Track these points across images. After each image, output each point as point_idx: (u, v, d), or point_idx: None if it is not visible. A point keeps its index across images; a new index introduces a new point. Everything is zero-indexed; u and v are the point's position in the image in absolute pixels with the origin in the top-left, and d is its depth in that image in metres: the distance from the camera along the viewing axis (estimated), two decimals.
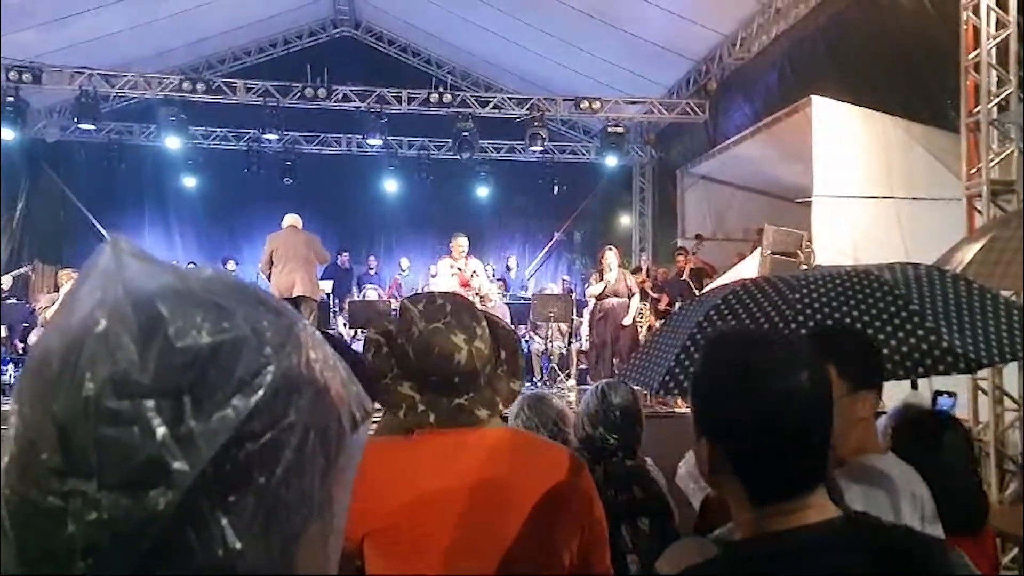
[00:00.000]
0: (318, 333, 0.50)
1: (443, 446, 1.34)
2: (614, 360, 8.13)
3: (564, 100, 11.53)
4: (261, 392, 0.43)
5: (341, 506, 0.49)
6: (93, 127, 11.12)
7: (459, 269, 7.90)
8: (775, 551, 0.98)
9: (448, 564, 1.26)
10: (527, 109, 11.66)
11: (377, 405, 1.41)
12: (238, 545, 0.42)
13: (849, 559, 0.97)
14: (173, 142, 11.70)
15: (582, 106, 11.34)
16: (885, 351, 1.44)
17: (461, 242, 7.92)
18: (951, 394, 2.29)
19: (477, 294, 7.89)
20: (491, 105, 11.73)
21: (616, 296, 8.28)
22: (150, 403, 0.41)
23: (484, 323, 1.38)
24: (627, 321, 8.21)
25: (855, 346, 1.60)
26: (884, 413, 2.08)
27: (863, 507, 1.51)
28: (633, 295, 8.20)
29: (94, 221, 13.06)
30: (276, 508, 0.43)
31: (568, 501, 1.34)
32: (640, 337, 8.84)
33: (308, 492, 0.45)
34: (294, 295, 7.82)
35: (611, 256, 8.46)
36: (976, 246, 3.03)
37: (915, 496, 1.57)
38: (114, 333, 0.42)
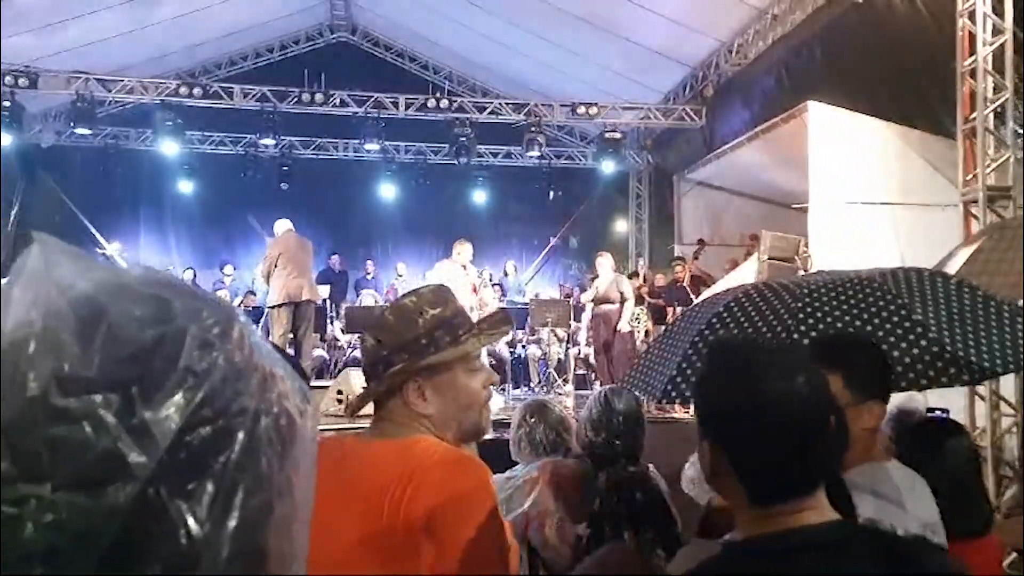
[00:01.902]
0: (255, 326, 0.51)
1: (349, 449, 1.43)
2: (609, 366, 8.15)
3: (561, 106, 11.55)
4: (209, 379, 0.43)
5: (305, 494, 0.49)
6: (89, 131, 11.10)
7: (467, 275, 7.86)
8: (773, 551, 1.00)
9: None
10: (524, 114, 11.68)
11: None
12: (200, 533, 0.41)
13: (847, 560, 0.98)
14: (169, 147, 11.69)
15: (579, 111, 11.37)
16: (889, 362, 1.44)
17: (467, 248, 7.91)
18: (943, 411, 2.31)
19: (481, 303, 7.86)
20: (488, 110, 11.75)
21: (607, 302, 8.32)
22: (98, 398, 0.40)
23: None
24: (621, 327, 8.22)
25: (865, 356, 1.60)
26: None
27: (864, 514, 1.51)
28: (626, 300, 8.19)
29: (90, 226, 13.02)
30: (234, 493, 0.43)
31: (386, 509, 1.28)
32: (637, 342, 8.84)
33: (266, 475, 0.45)
34: (302, 299, 7.81)
35: (602, 262, 8.55)
36: (964, 254, 3.04)
37: (918, 503, 1.57)
38: (52, 331, 0.42)
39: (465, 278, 7.81)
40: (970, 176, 5.39)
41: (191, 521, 0.41)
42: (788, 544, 0.99)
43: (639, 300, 10.07)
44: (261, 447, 0.45)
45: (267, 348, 0.49)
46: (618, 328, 8.23)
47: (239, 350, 0.46)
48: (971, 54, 5.42)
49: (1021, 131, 5.21)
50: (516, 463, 2.55)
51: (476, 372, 1.46)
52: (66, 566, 0.39)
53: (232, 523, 0.43)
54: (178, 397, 0.42)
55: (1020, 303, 1.63)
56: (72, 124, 11.00)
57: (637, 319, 9.62)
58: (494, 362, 8.26)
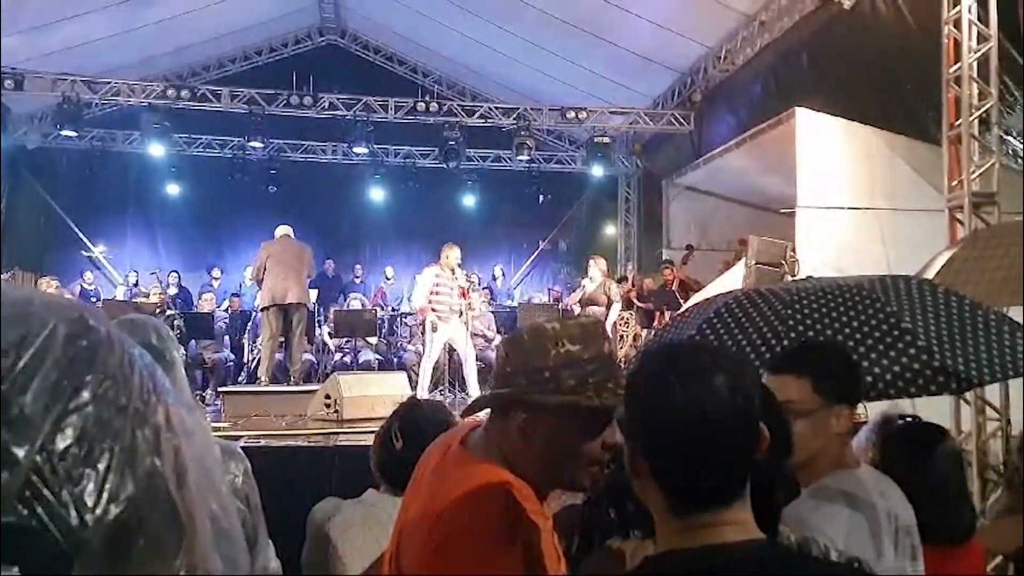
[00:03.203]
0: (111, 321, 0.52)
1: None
2: None
3: (550, 110, 11.57)
4: (81, 368, 0.45)
5: (207, 477, 0.50)
6: (75, 134, 11.02)
7: (454, 279, 7.85)
8: (688, 569, 0.96)
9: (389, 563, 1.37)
10: (514, 119, 11.69)
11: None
12: (85, 519, 0.42)
13: None
14: (157, 149, 11.63)
15: (568, 116, 11.40)
16: (877, 370, 1.44)
17: (454, 253, 7.91)
18: (914, 418, 2.33)
19: (469, 307, 7.88)
20: (478, 114, 11.75)
21: (593, 304, 8.38)
22: None
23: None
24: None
25: (834, 360, 1.61)
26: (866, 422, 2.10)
27: (832, 526, 1.51)
28: (612, 304, 8.21)
29: (76, 229, 12.94)
30: (117, 478, 0.44)
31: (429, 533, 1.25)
32: (627, 346, 8.87)
33: (148, 462, 0.46)
34: (287, 302, 7.87)
35: (592, 265, 8.65)
36: (939, 262, 3.06)
37: (889, 512, 1.56)
38: None
39: (453, 282, 7.80)
40: (955, 182, 5.43)
41: (74, 508, 0.42)
42: (705, 562, 0.95)
43: (627, 304, 10.11)
44: (137, 434, 0.46)
45: (130, 342, 0.51)
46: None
47: (106, 342, 0.47)
48: (956, 61, 5.46)
49: (1006, 137, 5.26)
50: None
51: (599, 432, 1.30)
52: None
53: (116, 508, 0.43)
54: (50, 386, 0.43)
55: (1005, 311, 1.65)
56: (58, 126, 10.92)
57: (626, 323, 9.66)
58: (483, 365, 8.25)
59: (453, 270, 7.85)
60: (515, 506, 1.23)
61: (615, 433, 1.30)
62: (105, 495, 0.43)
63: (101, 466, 0.43)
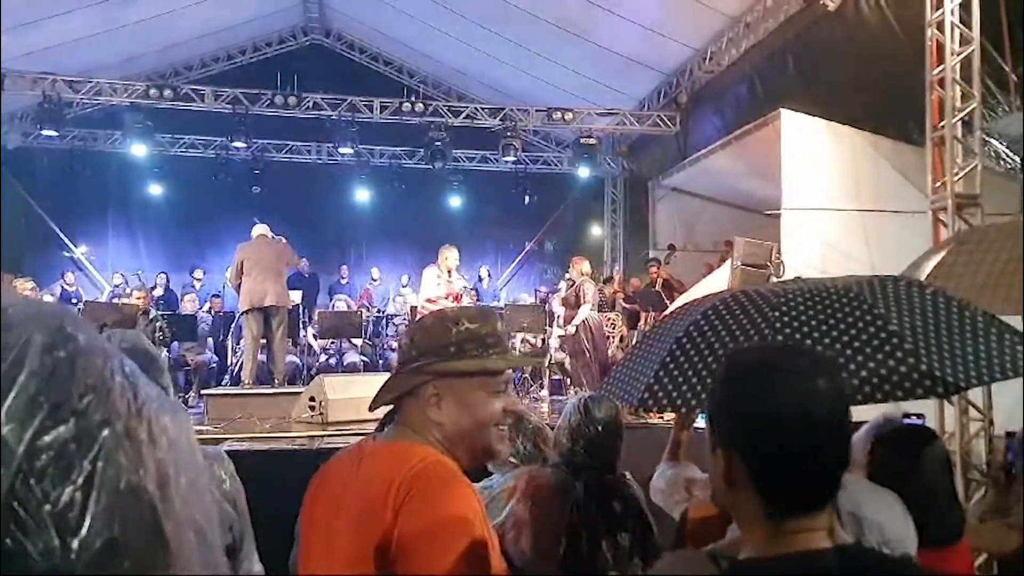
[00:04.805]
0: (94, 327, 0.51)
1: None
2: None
3: (536, 111, 11.57)
4: (58, 382, 0.43)
5: (191, 485, 0.49)
6: (56, 133, 10.89)
7: (448, 281, 7.84)
8: (786, 574, 0.96)
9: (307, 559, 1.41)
10: (500, 119, 11.68)
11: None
12: (65, 535, 0.41)
13: None
14: (139, 149, 11.53)
15: (554, 117, 11.41)
16: (864, 374, 1.44)
17: (453, 254, 7.91)
18: (919, 415, 2.33)
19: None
20: (463, 115, 11.73)
21: (568, 306, 8.43)
22: None
23: None
24: (568, 329, 8.33)
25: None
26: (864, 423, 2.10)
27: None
28: (582, 305, 8.20)
29: (56, 229, 12.80)
30: (97, 494, 0.43)
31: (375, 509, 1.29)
32: (613, 346, 8.89)
33: (129, 477, 0.45)
34: (266, 304, 7.77)
35: (571, 267, 8.67)
36: (928, 265, 3.07)
37: (868, 521, 1.55)
38: None
39: (448, 286, 7.79)
40: (939, 184, 5.47)
41: (55, 529, 0.41)
42: (803, 569, 0.95)
43: (613, 305, 10.13)
44: (119, 449, 0.45)
45: (111, 350, 0.49)
46: (566, 328, 8.31)
47: (86, 351, 0.45)
48: (940, 63, 5.51)
49: (989, 139, 5.31)
50: (491, 473, 2.53)
51: (499, 394, 1.44)
52: None
53: (99, 527, 0.42)
54: (26, 402, 0.41)
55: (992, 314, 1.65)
56: (39, 126, 10.80)
57: (613, 324, 9.67)
58: None
59: (450, 271, 7.84)
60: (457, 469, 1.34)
61: (516, 402, 1.49)
62: (88, 515, 0.42)
63: (82, 484, 0.42)
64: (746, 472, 0.98)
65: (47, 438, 0.41)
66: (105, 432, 0.44)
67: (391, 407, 1.49)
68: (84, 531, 0.41)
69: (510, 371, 1.46)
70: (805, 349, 1.32)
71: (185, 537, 0.48)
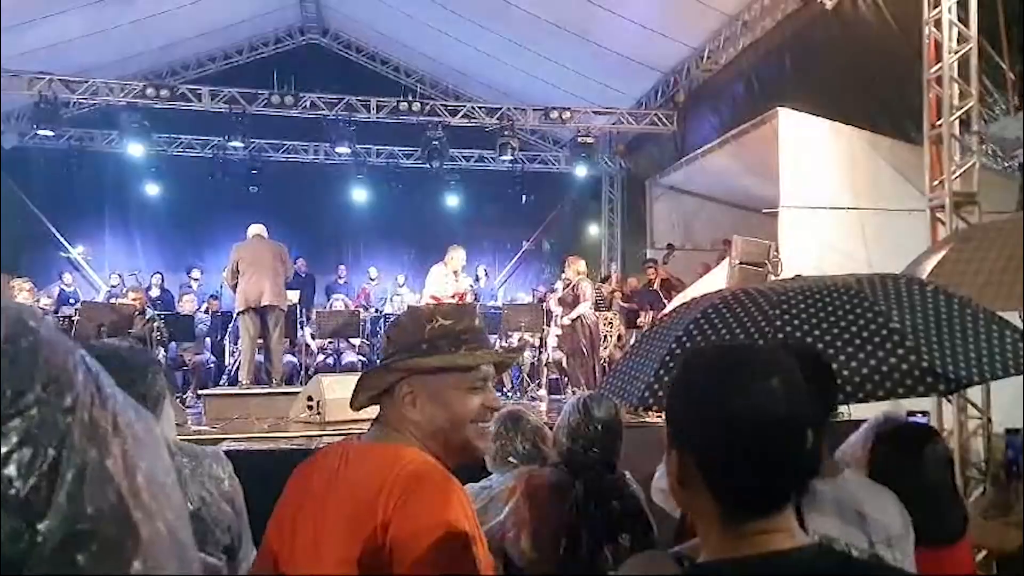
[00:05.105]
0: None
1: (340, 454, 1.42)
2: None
3: (534, 110, 11.56)
4: (21, 373, 0.44)
5: (159, 486, 0.49)
6: (52, 133, 10.86)
7: (456, 281, 7.84)
8: None
9: (286, 559, 1.37)
10: (497, 118, 11.67)
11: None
12: (37, 522, 0.41)
13: None
14: (136, 149, 11.50)
15: (551, 116, 11.40)
16: (865, 371, 1.43)
17: (460, 255, 7.90)
18: (924, 413, 2.32)
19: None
20: (461, 114, 11.72)
21: (564, 305, 8.42)
22: None
23: None
24: (565, 321, 8.30)
25: (810, 369, 1.59)
26: (863, 421, 2.09)
27: (820, 530, 1.50)
28: (578, 304, 8.19)
29: (53, 229, 12.77)
30: (64, 485, 0.43)
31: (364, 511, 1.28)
32: (611, 346, 8.88)
33: (97, 469, 0.45)
34: (262, 304, 7.73)
35: (567, 267, 8.64)
36: (930, 264, 3.07)
37: (872, 519, 1.55)
38: None
39: (454, 286, 7.78)
40: (936, 182, 5.48)
41: (20, 514, 0.41)
42: (763, 571, 0.93)
43: (609, 305, 10.11)
44: (84, 437, 0.45)
45: (72, 345, 0.49)
46: (562, 323, 8.30)
47: (47, 343, 0.46)
48: (937, 62, 5.51)
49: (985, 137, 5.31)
50: (490, 473, 2.52)
51: (477, 391, 1.41)
52: None
53: (65, 512, 0.42)
54: None
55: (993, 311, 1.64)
56: (35, 126, 10.77)
57: (610, 323, 9.66)
58: None
59: (456, 272, 7.83)
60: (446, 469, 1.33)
61: (496, 399, 1.46)
62: (54, 500, 0.42)
63: (47, 470, 0.42)
64: (699, 473, 0.96)
65: (10, 424, 0.42)
66: (69, 419, 0.44)
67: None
68: (50, 516, 0.41)
69: (490, 368, 1.42)
70: (765, 349, 1.29)
71: (155, 527, 0.48)
